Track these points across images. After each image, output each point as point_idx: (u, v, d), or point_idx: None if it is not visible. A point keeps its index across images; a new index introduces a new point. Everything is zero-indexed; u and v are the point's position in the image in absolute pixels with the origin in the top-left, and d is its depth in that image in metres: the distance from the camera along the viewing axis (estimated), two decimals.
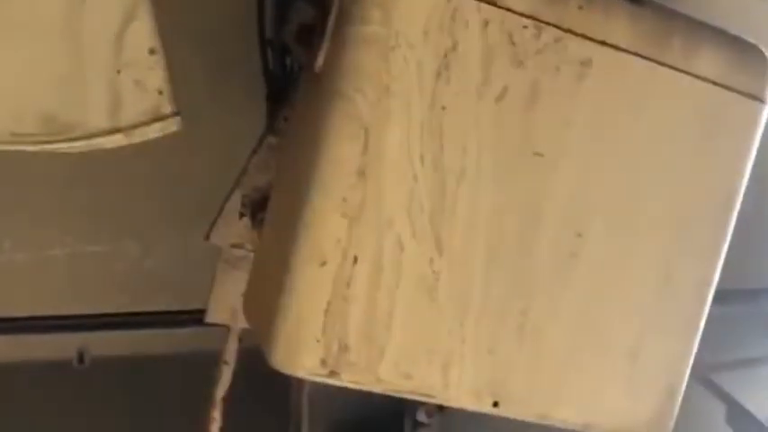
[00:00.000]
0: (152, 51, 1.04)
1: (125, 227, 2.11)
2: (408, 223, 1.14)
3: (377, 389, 1.17)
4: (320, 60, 1.24)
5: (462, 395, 1.21)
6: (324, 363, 1.13)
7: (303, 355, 1.13)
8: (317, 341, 1.13)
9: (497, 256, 1.19)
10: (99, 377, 2.11)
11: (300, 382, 1.94)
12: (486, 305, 1.19)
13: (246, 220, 1.71)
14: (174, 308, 2.20)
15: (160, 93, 1.05)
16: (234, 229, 1.72)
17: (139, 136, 1.06)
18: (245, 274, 1.76)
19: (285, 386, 2.02)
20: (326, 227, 1.13)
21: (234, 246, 1.75)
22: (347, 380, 1.15)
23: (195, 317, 2.15)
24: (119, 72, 1.02)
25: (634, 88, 1.23)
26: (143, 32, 1.03)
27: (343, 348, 1.14)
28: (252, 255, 1.76)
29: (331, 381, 1.14)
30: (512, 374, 1.22)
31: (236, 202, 1.70)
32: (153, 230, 2.13)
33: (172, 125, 1.07)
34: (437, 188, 1.15)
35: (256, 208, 1.70)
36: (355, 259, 1.13)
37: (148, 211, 2.08)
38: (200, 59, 1.90)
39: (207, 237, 1.73)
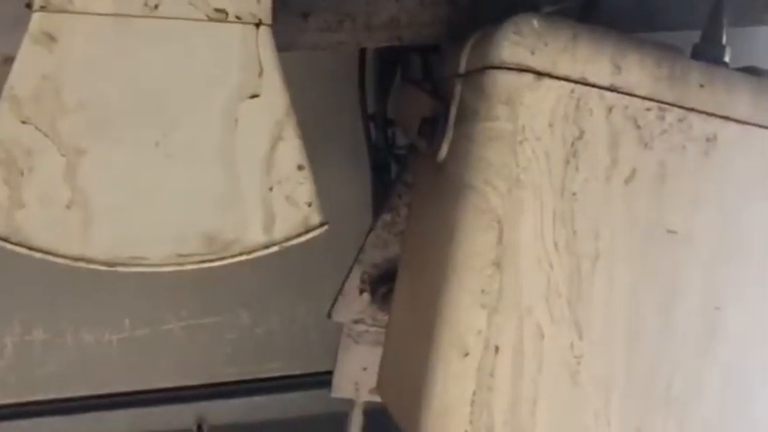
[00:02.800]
0: (300, 167, 1.10)
1: (236, 298, 2.19)
2: (547, 310, 1.16)
3: None
4: (444, 152, 1.29)
5: None
6: None
7: None
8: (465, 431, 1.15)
9: (638, 333, 1.19)
10: None
11: None
12: (630, 384, 1.19)
13: (366, 295, 1.75)
14: (285, 373, 2.26)
15: (309, 205, 1.11)
16: (354, 305, 1.77)
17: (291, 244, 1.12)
18: (368, 348, 1.81)
19: None
20: (467, 319, 1.16)
21: (355, 321, 1.79)
22: None
23: (305, 380, 2.23)
24: (271, 189, 1.09)
25: (760, 159, 1.23)
26: (291, 151, 1.09)
27: None
28: (372, 329, 1.80)
29: None
30: None
31: (355, 279, 1.75)
32: (262, 300, 2.20)
33: (319, 232, 1.13)
34: (573, 273, 1.17)
35: (376, 284, 1.74)
36: (497, 349, 1.15)
37: (257, 281, 2.14)
38: (303, 132, 1.97)
39: (329, 315, 1.78)
